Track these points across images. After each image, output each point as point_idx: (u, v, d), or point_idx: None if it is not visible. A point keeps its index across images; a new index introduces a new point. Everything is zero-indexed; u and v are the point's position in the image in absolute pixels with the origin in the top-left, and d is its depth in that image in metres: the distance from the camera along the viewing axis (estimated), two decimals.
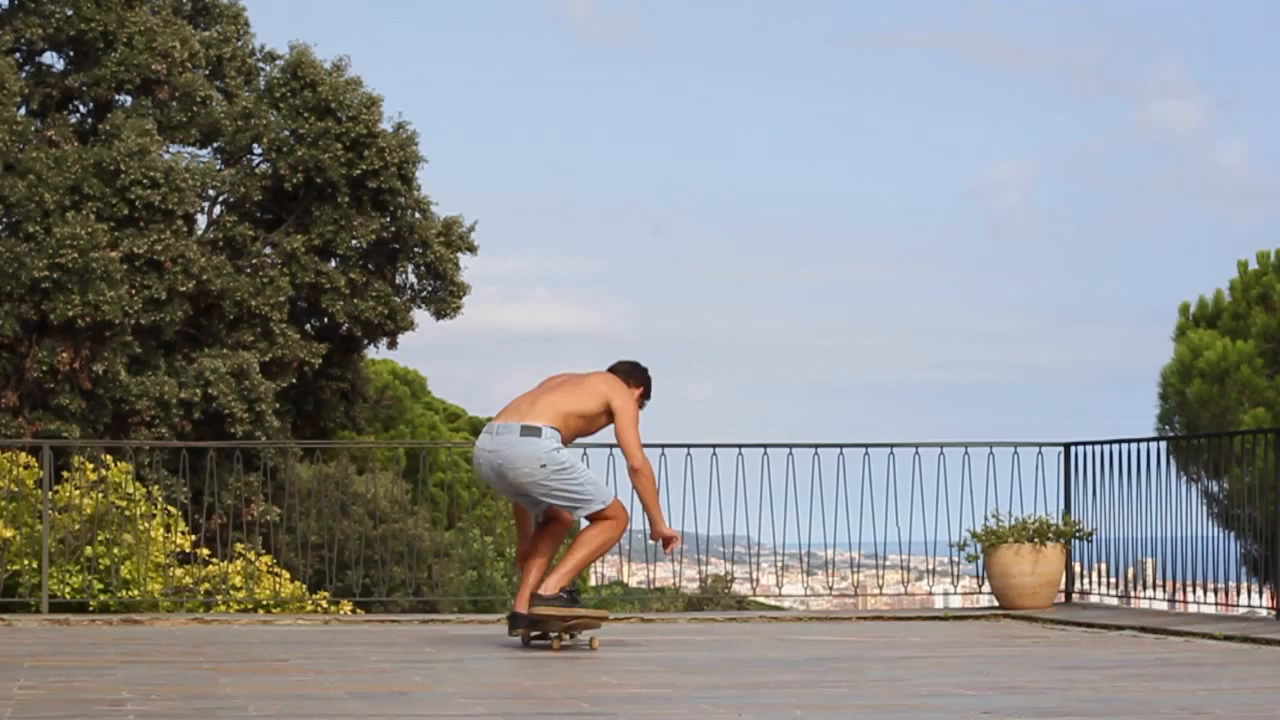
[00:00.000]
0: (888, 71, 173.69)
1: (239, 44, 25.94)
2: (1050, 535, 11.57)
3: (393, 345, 25.62)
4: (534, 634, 8.77)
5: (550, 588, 8.55)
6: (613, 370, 9.00)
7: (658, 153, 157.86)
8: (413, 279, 25.57)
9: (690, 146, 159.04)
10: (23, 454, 14.11)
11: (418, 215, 24.97)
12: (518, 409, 8.72)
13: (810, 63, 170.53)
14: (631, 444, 8.69)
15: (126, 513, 13.85)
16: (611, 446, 11.86)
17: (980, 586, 12.38)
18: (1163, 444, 12.15)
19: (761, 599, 21.37)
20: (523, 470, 8.56)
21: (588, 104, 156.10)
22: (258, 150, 24.99)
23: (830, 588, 13.61)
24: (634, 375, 8.98)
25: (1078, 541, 12.08)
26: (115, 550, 13.73)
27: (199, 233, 24.72)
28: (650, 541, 8.75)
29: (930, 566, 13.23)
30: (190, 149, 25.05)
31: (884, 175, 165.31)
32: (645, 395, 9.01)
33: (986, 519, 11.73)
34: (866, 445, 12.30)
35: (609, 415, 8.76)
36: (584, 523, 8.92)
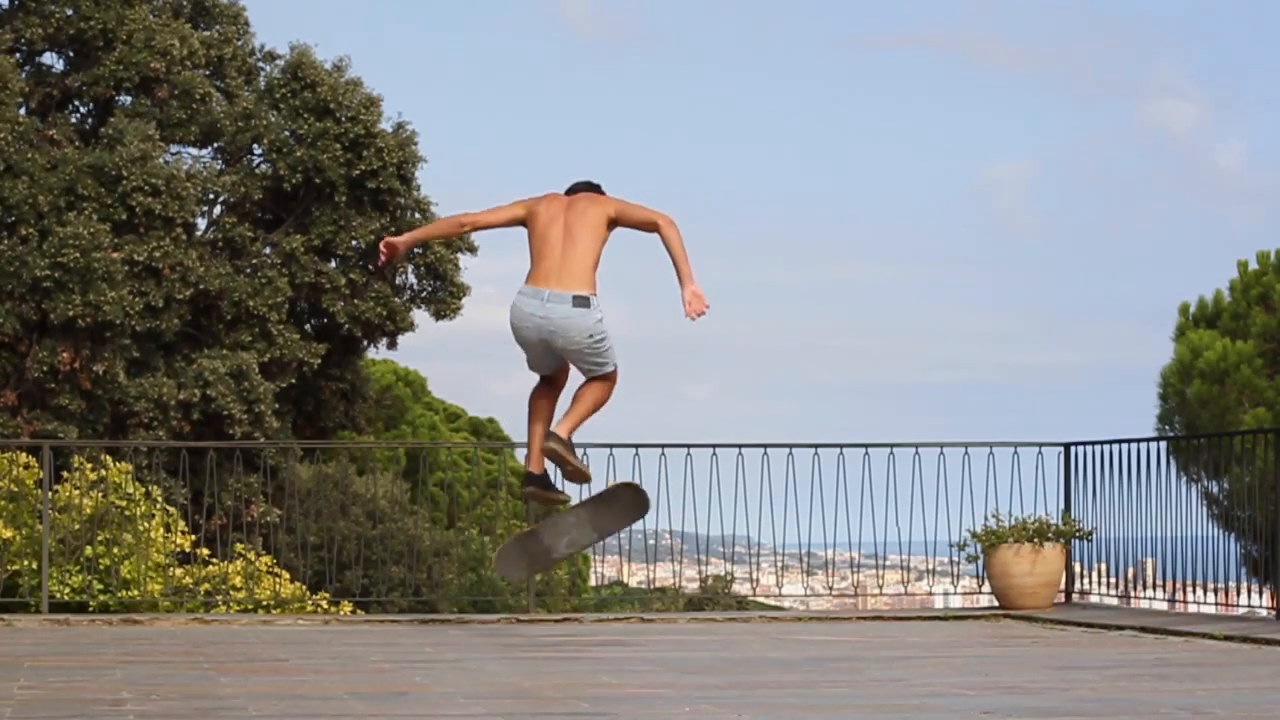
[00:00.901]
0: (888, 71, 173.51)
1: (239, 44, 25.94)
2: (1050, 535, 11.57)
3: (392, 345, 25.64)
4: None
5: (564, 431, 9.04)
6: (579, 193, 9.28)
7: (658, 153, 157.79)
8: (412, 279, 25.59)
9: (690, 146, 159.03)
10: (22, 454, 14.11)
11: (418, 215, 24.97)
12: (552, 273, 8.99)
13: (810, 63, 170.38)
14: (650, 209, 9.08)
15: (126, 513, 13.85)
16: (611, 447, 11.91)
17: (980, 586, 12.38)
18: (1163, 444, 12.15)
19: (761, 599, 21.36)
20: (572, 339, 8.96)
21: (587, 104, 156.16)
22: (258, 150, 24.99)
23: (830, 588, 13.61)
24: (597, 188, 9.33)
25: (1077, 541, 12.08)
26: (115, 550, 13.74)
27: (199, 233, 24.72)
28: (687, 315, 8.85)
29: (930, 566, 13.23)
30: (190, 149, 25.07)
31: (884, 175, 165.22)
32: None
33: (986, 519, 11.74)
34: (866, 445, 12.31)
35: (611, 224, 9.15)
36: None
